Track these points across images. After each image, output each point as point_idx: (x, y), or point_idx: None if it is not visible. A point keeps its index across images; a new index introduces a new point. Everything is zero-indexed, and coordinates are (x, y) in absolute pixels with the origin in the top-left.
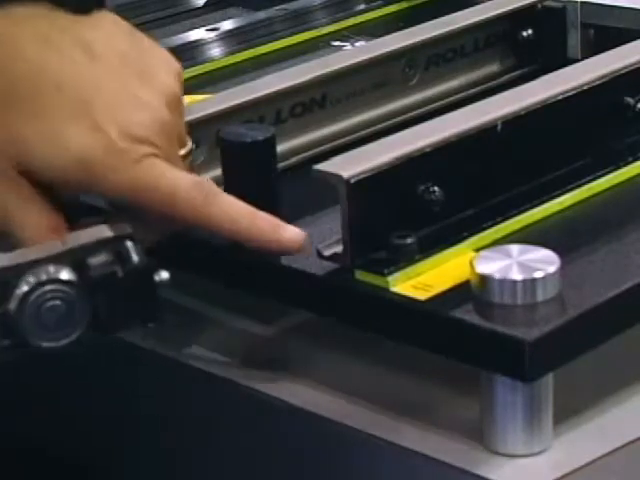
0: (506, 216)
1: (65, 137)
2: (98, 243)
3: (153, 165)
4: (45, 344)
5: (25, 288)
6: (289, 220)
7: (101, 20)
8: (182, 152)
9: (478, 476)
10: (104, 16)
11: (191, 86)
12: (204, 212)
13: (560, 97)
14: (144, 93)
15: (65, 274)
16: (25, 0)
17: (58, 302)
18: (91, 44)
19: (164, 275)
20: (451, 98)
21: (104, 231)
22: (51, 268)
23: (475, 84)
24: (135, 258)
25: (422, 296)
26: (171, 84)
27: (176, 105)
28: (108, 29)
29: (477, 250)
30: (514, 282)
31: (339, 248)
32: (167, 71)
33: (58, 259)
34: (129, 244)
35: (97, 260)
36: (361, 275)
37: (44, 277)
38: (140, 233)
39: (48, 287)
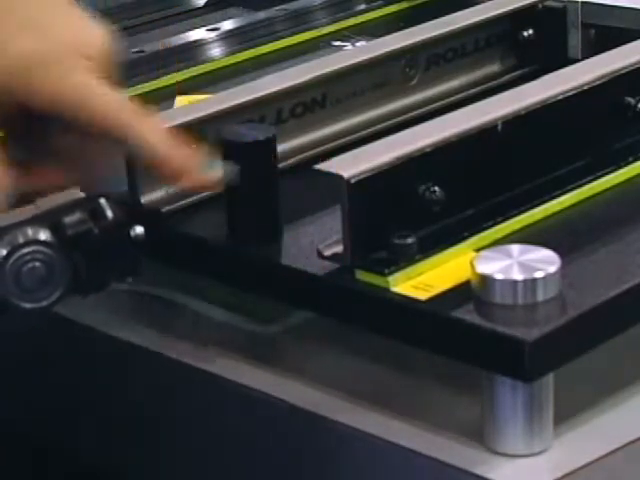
0: (506, 216)
1: (8, 42)
2: (72, 203)
3: (89, 78)
4: (27, 305)
5: (4, 251)
6: (289, 220)
7: None
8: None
9: (478, 476)
10: None
11: (191, 86)
12: (130, 126)
13: (560, 97)
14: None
15: (43, 235)
16: None
17: (38, 263)
18: None
19: (139, 230)
20: (451, 98)
21: (76, 192)
22: (29, 230)
23: (475, 84)
24: (109, 214)
25: (422, 296)
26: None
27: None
28: None
29: (477, 250)
30: (514, 282)
31: (339, 248)
32: None
33: (34, 222)
34: (102, 201)
35: (72, 219)
36: (361, 275)
37: (22, 239)
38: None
39: (27, 249)
